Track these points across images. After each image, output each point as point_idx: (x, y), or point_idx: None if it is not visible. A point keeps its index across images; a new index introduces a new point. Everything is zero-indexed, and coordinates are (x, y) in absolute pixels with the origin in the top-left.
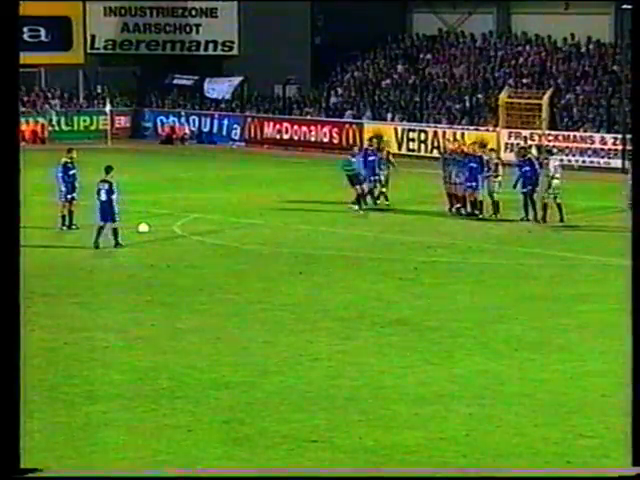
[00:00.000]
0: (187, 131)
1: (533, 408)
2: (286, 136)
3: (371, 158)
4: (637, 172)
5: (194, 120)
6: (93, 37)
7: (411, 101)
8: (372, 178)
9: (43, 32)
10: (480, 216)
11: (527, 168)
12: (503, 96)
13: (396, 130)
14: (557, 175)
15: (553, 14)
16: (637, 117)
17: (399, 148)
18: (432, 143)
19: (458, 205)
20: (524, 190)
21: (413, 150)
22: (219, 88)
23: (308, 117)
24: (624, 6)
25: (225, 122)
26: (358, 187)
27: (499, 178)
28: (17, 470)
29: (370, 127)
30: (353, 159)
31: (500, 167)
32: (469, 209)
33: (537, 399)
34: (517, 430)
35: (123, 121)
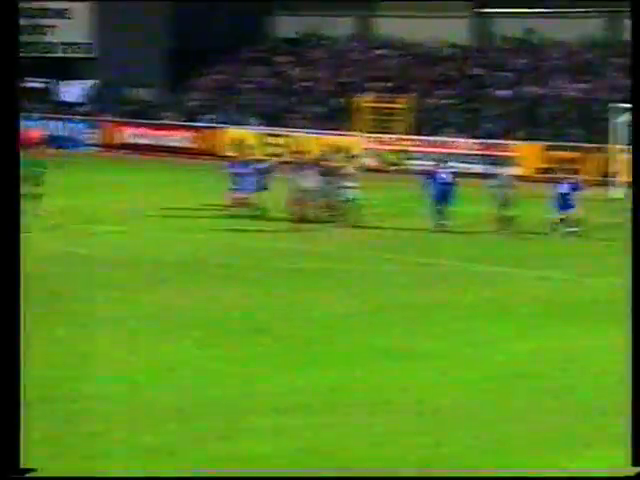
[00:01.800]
0: (40, 136)
1: (392, 415)
2: (143, 141)
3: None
4: (637, 172)
5: (47, 124)
6: None
7: (272, 105)
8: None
9: None
10: (344, 222)
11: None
12: (363, 100)
13: (257, 135)
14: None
15: (413, 18)
16: (637, 118)
17: (261, 153)
18: (294, 148)
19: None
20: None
21: (275, 155)
22: (73, 91)
23: (166, 121)
24: (475, 9)
25: (80, 126)
26: (40, 188)
27: (355, 184)
28: (17, 470)
29: (230, 131)
30: (42, 159)
31: (354, 174)
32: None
33: (396, 405)
34: (378, 439)
35: None
